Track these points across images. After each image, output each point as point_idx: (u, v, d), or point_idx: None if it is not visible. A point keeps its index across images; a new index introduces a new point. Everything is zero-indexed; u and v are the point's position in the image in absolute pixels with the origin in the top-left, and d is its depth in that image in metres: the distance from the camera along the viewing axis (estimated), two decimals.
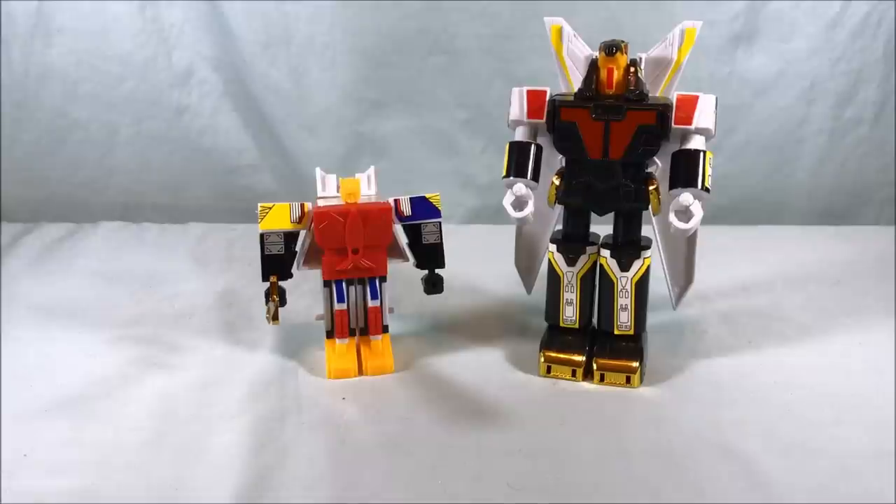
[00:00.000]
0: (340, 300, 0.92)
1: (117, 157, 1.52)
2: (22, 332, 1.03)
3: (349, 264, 0.90)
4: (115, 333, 1.03)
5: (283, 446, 0.78)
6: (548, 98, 0.89)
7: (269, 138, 1.52)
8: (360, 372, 0.93)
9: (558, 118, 0.87)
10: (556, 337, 0.93)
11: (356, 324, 0.95)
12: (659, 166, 0.89)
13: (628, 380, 0.89)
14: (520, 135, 0.91)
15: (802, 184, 1.52)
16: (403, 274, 0.99)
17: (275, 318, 0.91)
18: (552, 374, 0.91)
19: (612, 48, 0.83)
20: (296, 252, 0.92)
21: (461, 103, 1.50)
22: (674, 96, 0.87)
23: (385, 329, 0.95)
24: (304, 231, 0.92)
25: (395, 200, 0.93)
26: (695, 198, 0.83)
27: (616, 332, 0.91)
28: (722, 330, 1.04)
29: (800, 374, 0.92)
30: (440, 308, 1.09)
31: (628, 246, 0.90)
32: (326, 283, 0.92)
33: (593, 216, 0.92)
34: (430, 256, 0.95)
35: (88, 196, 1.53)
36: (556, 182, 0.89)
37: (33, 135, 1.50)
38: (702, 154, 0.85)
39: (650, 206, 0.88)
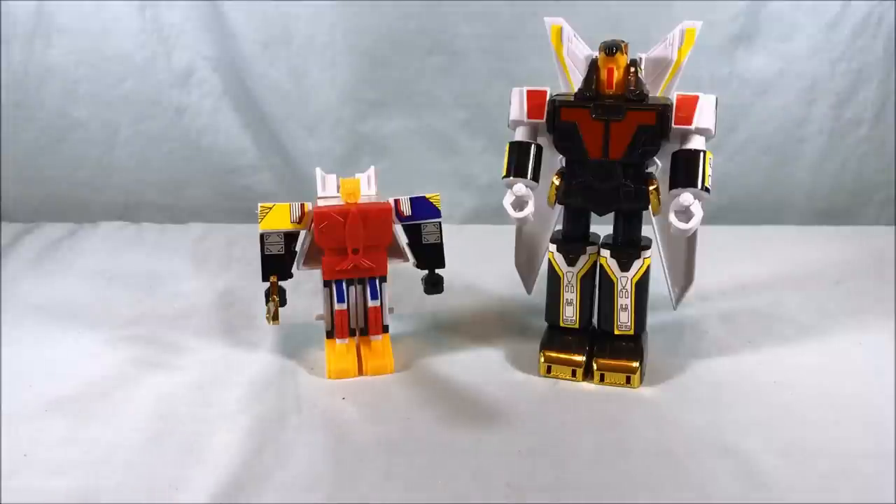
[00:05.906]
0: (340, 300, 0.92)
1: (117, 157, 1.52)
2: (22, 332, 1.03)
3: (349, 264, 0.90)
4: (114, 333, 1.03)
5: (282, 446, 0.77)
6: (548, 98, 0.89)
7: (269, 138, 1.52)
8: (360, 372, 0.92)
9: (558, 118, 0.87)
10: (556, 337, 0.93)
11: (356, 324, 0.95)
12: (659, 166, 0.89)
13: (628, 380, 0.89)
14: (520, 135, 0.91)
15: (802, 184, 1.52)
16: (403, 274, 0.99)
17: (275, 318, 0.91)
18: (552, 374, 0.91)
19: (612, 48, 0.83)
20: (296, 252, 0.92)
21: (461, 103, 1.50)
22: (674, 96, 0.87)
23: (385, 329, 0.95)
24: (304, 231, 0.92)
25: (395, 200, 0.93)
26: (695, 198, 0.83)
27: (616, 332, 0.91)
28: (722, 330, 1.04)
29: (800, 374, 0.92)
30: (440, 308, 1.09)
31: (628, 246, 0.90)
32: (326, 283, 0.92)
33: (593, 216, 0.92)
34: (430, 256, 0.95)
35: (88, 196, 1.53)
36: (556, 182, 0.89)
37: (33, 135, 1.50)
38: (702, 154, 0.85)
39: (650, 206, 0.88)
